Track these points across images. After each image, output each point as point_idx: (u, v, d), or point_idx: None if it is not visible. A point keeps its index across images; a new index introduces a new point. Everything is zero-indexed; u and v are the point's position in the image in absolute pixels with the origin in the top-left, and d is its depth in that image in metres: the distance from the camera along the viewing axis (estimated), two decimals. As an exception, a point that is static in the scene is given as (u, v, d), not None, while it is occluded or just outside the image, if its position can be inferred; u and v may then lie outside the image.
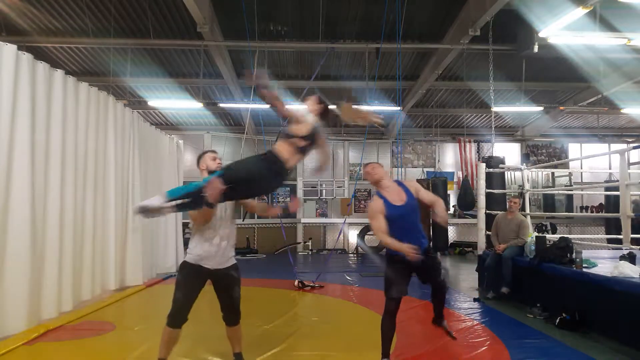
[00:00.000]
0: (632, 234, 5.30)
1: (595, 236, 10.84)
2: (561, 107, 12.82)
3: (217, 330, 3.92)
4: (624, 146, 12.32)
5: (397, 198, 3.65)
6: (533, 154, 14.76)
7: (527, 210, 7.24)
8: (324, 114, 3.51)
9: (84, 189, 5.87)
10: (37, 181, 4.85)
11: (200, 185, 3.00)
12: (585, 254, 5.40)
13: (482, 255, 7.19)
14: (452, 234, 13.06)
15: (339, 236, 12.44)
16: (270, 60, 10.27)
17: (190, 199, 3.07)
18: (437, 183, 11.68)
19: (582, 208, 14.10)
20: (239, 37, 9.07)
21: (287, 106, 3.28)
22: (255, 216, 13.15)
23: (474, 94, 12.39)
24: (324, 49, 9.51)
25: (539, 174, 14.32)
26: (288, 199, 3.64)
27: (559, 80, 11.69)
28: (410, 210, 3.64)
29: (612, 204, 10.87)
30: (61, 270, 5.26)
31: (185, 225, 11.03)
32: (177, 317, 3.30)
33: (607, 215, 11.44)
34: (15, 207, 4.55)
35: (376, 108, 10.99)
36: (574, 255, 5.23)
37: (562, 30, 7.04)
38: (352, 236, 13.54)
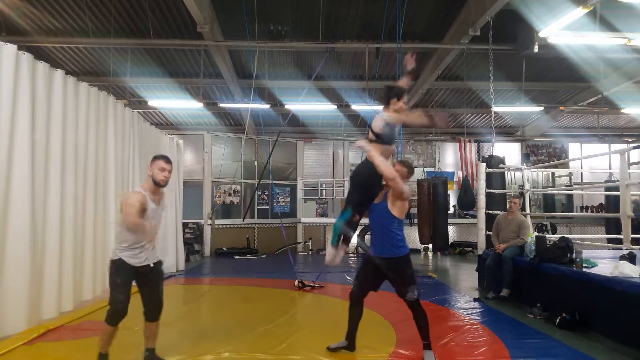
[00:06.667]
0: (632, 234, 5.30)
1: (595, 236, 10.84)
2: (561, 107, 12.82)
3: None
4: (624, 146, 12.32)
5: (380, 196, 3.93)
6: (533, 154, 14.76)
7: (528, 210, 7.24)
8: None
9: (84, 189, 5.87)
10: (37, 181, 4.85)
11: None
12: (585, 254, 5.40)
13: (482, 255, 7.19)
14: (452, 234, 13.05)
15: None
16: (270, 60, 10.26)
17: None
18: (437, 183, 11.67)
19: (582, 208, 14.10)
20: (239, 37, 9.07)
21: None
22: (256, 216, 13.16)
23: (474, 94, 12.39)
24: (324, 49, 9.51)
25: (539, 174, 14.32)
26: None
27: (559, 80, 11.69)
28: (378, 212, 3.87)
29: (612, 204, 10.87)
30: (61, 270, 5.27)
31: (185, 225, 11.04)
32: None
33: (607, 215, 11.44)
34: (15, 207, 4.55)
35: (376, 108, 11.00)
36: (574, 255, 5.23)
37: (562, 30, 7.05)
38: (352, 236, 13.53)
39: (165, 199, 3.79)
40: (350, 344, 3.98)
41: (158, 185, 3.57)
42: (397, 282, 3.82)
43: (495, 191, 7.89)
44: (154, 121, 13.47)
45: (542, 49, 8.50)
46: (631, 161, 12.13)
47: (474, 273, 7.56)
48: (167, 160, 3.59)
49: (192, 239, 11.71)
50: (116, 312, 3.40)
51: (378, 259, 3.85)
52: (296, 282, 7.30)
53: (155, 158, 3.61)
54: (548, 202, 14.01)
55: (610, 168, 12.32)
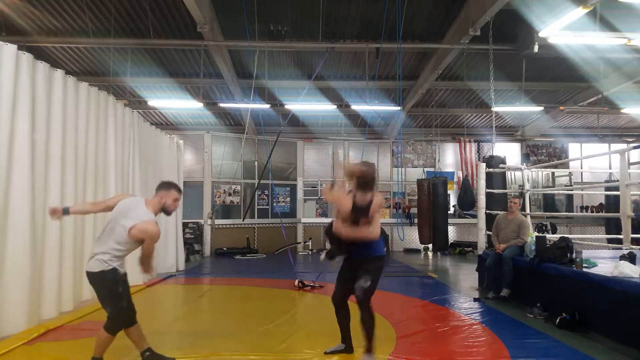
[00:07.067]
0: (632, 234, 5.29)
1: (595, 236, 10.85)
2: (561, 107, 12.83)
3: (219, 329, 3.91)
4: (624, 146, 12.32)
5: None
6: (533, 153, 14.76)
7: (528, 210, 7.24)
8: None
9: (84, 189, 5.87)
10: (37, 181, 4.85)
11: None
12: (585, 254, 5.39)
13: (482, 255, 7.19)
14: (452, 234, 13.06)
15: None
16: (270, 60, 10.27)
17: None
18: (437, 183, 11.68)
19: (582, 208, 14.10)
20: (239, 37, 9.08)
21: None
22: (256, 216, 13.16)
23: (474, 94, 12.40)
24: (324, 49, 9.51)
25: (539, 174, 14.32)
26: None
27: (559, 80, 11.69)
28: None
29: (612, 204, 10.88)
30: (61, 270, 5.27)
31: (185, 225, 11.04)
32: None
33: (607, 215, 11.44)
34: (15, 207, 4.55)
35: (376, 108, 11.01)
36: (574, 255, 5.23)
37: (562, 30, 7.04)
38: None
39: None
40: (347, 347, 3.97)
41: (166, 214, 3.65)
42: (360, 274, 3.75)
43: (496, 191, 7.89)
44: (154, 121, 13.47)
45: (542, 49, 8.50)
46: (631, 161, 12.14)
47: (474, 273, 7.56)
48: (181, 191, 3.71)
49: (192, 239, 11.72)
50: (123, 321, 3.41)
51: (356, 258, 3.85)
52: (296, 282, 7.30)
53: (169, 186, 3.63)
54: (548, 202, 14.02)
55: (610, 168, 12.33)
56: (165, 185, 3.64)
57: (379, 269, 3.82)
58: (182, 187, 9.59)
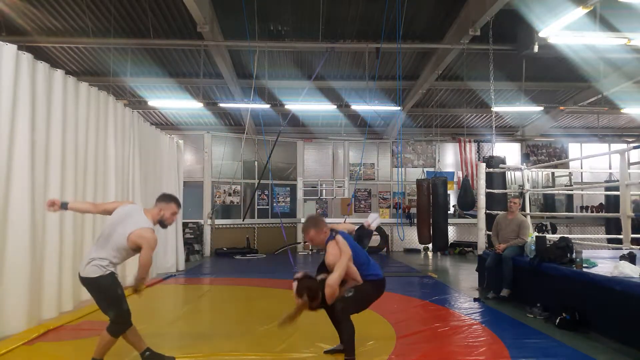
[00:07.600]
0: (632, 234, 5.29)
1: (596, 236, 10.84)
2: (561, 107, 12.83)
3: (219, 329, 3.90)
4: (624, 146, 12.32)
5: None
6: (533, 153, 14.77)
7: (528, 210, 7.24)
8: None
9: (84, 189, 5.87)
10: (37, 181, 4.85)
11: None
12: (585, 254, 5.39)
13: (482, 255, 7.19)
14: (452, 234, 13.06)
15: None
16: (270, 60, 10.27)
17: None
18: (437, 183, 11.69)
19: (582, 208, 14.10)
20: (239, 37, 9.08)
21: None
22: (256, 216, 13.16)
23: (474, 94, 12.40)
24: (324, 49, 9.51)
25: (539, 174, 14.32)
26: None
27: (559, 80, 11.69)
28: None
29: (612, 204, 10.88)
30: (61, 270, 5.26)
31: (185, 225, 11.04)
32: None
33: (607, 215, 11.45)
34: (15, 207, 4.55)
35: (376, 108, 11.01)
36: (574, 255, 5.22)
37: (562, 30, 7.04)
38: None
39: None
40: None
41: (162, 227, 3.67)
42: (346, 286, 3.77)
43: (496, 191, 7.89)
44: (154, 121, 13.46)
45: (542, 49, 8.50)
46: (631, 161, 12.14)
47: (474, 273, 7.56)
48: (180, 205, 3.78)
49: (192, 239, 11.72)
50: (126, 323, 3.42)
51: None
52: (296, 282, 7.28)
53: (170, 200, 3.68)
54: (548, 202, 14.02)
55: (610, 168, 12.32)
56: (166, 198, 3.68)
57: (366, 290, 3.84)
58: (182, 187, 9.68)
